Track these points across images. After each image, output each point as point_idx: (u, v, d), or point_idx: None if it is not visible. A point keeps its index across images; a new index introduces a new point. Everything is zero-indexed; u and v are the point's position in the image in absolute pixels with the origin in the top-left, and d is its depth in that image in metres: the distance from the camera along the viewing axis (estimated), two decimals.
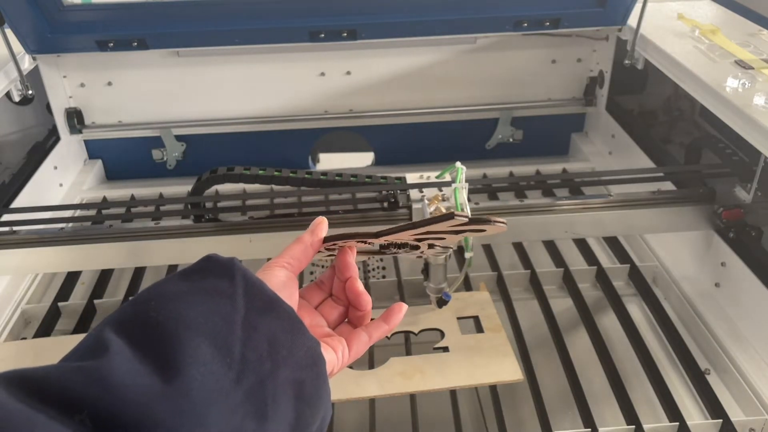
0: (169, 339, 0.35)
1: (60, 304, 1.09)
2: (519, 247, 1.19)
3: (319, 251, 0.49)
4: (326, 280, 0.52)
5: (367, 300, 0.49)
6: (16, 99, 1.27)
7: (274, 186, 1.14)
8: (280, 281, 0.44)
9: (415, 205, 0.97)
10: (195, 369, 0.33)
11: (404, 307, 0.50)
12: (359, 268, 0.54)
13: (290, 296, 0.44)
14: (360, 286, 0.49)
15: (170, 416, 0.32)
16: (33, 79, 1.32)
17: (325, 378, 0.41)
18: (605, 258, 1.20)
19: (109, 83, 1.41)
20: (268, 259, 1.28)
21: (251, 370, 0.36)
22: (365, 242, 0.49)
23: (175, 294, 0.38)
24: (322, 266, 1.17)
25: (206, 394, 0.33)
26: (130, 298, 0.41)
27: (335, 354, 0.46)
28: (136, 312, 0.37)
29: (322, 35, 1.30)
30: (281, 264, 0.46)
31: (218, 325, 0.36)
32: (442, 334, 0.92)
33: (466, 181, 0.91)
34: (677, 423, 0.83)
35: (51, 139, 1.43)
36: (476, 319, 0.95)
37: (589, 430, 0.83)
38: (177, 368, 0.33)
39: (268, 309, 0.39)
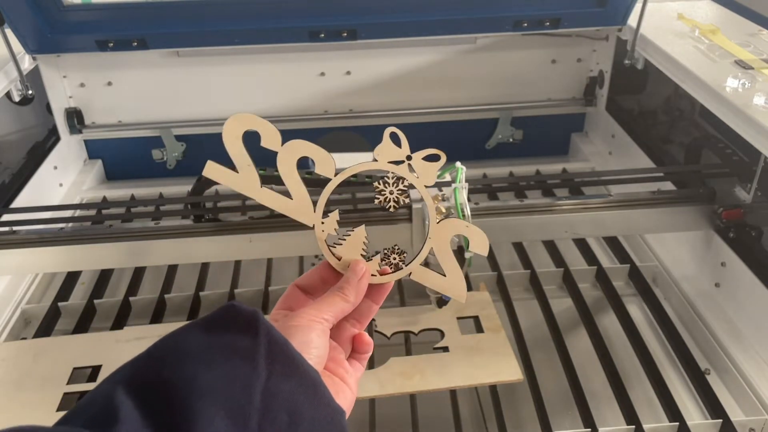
0: (183, 408, 0.33)
1: (60, 304, 1.09)
2: (519, 247, 1.19)
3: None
4: (312, 288, 0.48)
5: (371, 346, 0.48)
6: (16, 99, 1.27)
7: (274, 186, 1.13)
8: (312, 340, 0.41)
9: (414, 205, 0.97)
10: None
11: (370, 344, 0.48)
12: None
13: (320, 357, 0.41)
14: (368, 337, 0.48)
15: None
16: (33, 79, 1.32)
17: None
18: (605, 258, 1.20)
19: (109, 83, 1.41)
20: (269, 260, 1.27)
21: None
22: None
23: (193, 351, 0.36)
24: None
25: None
26: (152, 344, 0.38)
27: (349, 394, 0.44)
28: (151, 370, 0.35)
29: (322, 35, 1.30)
30: (320, 320, 0.42)
31: (236, 393, 0.34)
32: (442, 334, 0.92)
33: (466, 181, 0.91)
34: (677, 423, 0.83)
35: (51, 139, 1.43)
36: (476, 319, 0.95)
37: (589, 430, 0.83)
38: None
39: (291, 374, 0.36)
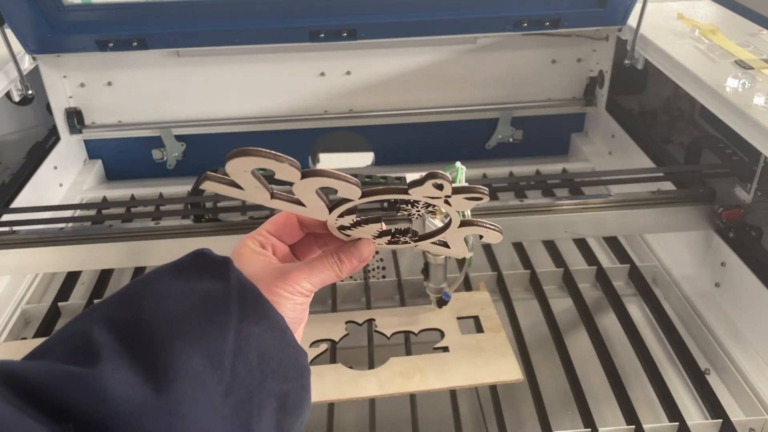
0: (162, 347, 0.34)
1: (60, 304, 1.09)
2: (519, 247, 1.19)
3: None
4: (311, 224, 0.47)
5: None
6: (16, 99, 1.27)
7: (274, 186, 1.14)
8: (297, 317, 0.42)
9: None
10: (187, 382, 0.33)
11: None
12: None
13: (295, 321, 0.42)
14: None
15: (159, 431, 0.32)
16: (33, 79, 1.32)
17: (308, 389, 0.40)
18: (605, 258, 1.20)
19: (109, 83, 1.41)
20: None
21: (240, 383, 0.35)
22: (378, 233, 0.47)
23: (169, 295, 0.37)
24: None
25: (196, 408, 0.33)
26: (122, 288, 0.39)
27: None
28: (128, 311, 0.36)
29: (322, 35, 1.30)
30: (307, 292, 0.43)
31: (211, 335, 0.36)
32: (442, 334, 0.92)
33: (466, 181, 0.90)
34: (677, 423, 0.83)
35: (51, 139, 1.43)
36: (476, 319, 0.95)
37: (589, 430, 0.83)
38: (168, 380, 0.33)
39: (260, 317, 0.38)
